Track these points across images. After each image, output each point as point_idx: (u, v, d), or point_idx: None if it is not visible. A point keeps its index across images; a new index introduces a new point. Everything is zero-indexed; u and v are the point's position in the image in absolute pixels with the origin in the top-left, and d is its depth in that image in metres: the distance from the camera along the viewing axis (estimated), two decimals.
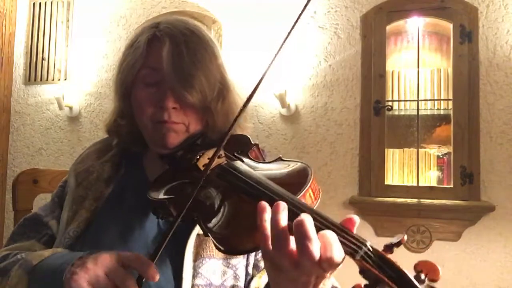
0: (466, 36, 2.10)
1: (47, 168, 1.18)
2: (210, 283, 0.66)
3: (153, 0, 2.62)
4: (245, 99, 0.63)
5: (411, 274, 0.42)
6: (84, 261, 0.55)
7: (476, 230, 2.05)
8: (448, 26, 2.16)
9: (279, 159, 0.65)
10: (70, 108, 2.65)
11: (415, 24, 2.26)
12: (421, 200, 2.07)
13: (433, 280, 0.41)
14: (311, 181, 0.53)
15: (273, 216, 0.46)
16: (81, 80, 2.69)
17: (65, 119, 2.71)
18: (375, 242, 0.45)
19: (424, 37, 2.30)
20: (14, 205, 1.08)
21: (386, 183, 2.16)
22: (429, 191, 2.10)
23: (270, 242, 0.46)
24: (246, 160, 0.67)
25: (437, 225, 2.07)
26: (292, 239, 0.45)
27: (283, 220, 0.46)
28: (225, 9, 2.45)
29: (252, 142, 0.72)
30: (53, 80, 2.74)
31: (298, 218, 0.44)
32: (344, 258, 0.45)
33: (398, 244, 0.45)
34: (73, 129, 2.70)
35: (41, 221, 0.81)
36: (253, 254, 0.72)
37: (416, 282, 0.41)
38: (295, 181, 0.54)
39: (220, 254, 0.69)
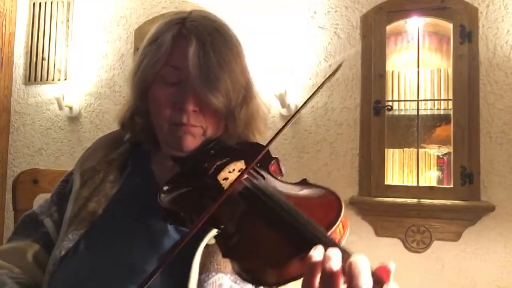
0: (466, 36, 2.10)
1: (47, 168, 1.18)
2: None
3: (153, 0, 2.62)
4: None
5: None
6: None
7: (476, 230, 2.05)
8: (448, 26, 2.16)
9: (305, 181, 0.61)
10: (70, 108, 2.65)
11: (415, 24, 2.26)
12: (421, 200, 2.07)
13: None
14: (342, 214, 0.49)
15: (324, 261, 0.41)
16: (81, 80, 2.69)
17: (65, 119, 2.71)
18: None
19: (424, 37, 2.30)
20: (14, 205, 1.08)
21: (386, 183, 2.16)
22: (429, 191, 2.10)
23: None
24: (268, 177, 0.63)
25: (437, 225, 2.07)
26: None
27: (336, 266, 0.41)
28: (225, 10, 2.44)
29: (272, 156, 0.69)
30: (53, 80, 2.74)
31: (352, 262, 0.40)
32: None
33: None
34: (73, 129, 2.70)
35: (37, 219, 0.79)
36: None
37: None
38: (326, 213, 0.50)
39: (228, 268, 0.65)
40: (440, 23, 2.22)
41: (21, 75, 2.83)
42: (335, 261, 0.40)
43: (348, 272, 0.39)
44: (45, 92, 2.76)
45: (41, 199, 1.07)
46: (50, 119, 2.75)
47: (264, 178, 0.62)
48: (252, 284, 0.56)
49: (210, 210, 0.51)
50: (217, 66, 0.69)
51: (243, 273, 0.48)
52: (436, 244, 2.08)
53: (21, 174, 1.11)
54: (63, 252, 0.70)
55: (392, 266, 0.41)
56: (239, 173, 0.61)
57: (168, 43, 0.71)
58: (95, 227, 0.72)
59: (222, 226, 0.53)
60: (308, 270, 0.42)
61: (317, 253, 0.42)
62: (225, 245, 0.51)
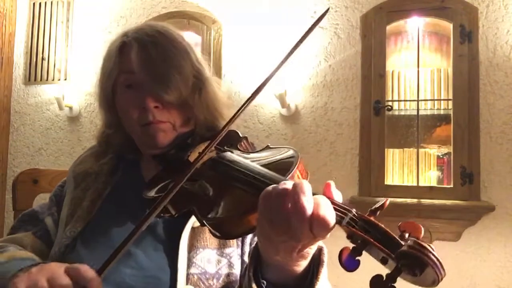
0: (466, 36, 2.10)
1: (47, 168, 1.19)
2: (205, 272, 0.68)
3: (153, 0, 2.62)
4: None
5: (395, 234, 0.45)
6: (32, 267, 0.57)
7: (476, 230, 2.05)
8: (448, 26, 2.16)
9: (267, 147, 0.68)
10: (70, 108, 2.65)
11: (415, 24, 2.26)
12: (421, 200, 2.07)
13: (416, 238, 0.44)
14: (298, 163, 0.55)
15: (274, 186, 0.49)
16: (81, 80, 2.69)
17: (65, 119, 2.71)
18: None
19: (424, 37, 2.30)
20: (14, 205, 1.08)
21: (386, 183, 2.16)
22: (429, 191, 2.10)
23: (269, 202, 0.48)
24: (235, 151, 0.69)
25: (437, 225, 2.07)
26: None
27: (286, 185, 0.48)
28: (225, 9, 2.44)
29: (241, 136, 0.75)
30: (53, 80, 2.74)
31: (296, 181, 0.48)
32: (335, 224, 0.46)
33: (381, 207, 0.48)
34: (73, 129, 2.70)
35: (38, 217, 0.84)
36: (248, 243, 0.74)
37: (399, 240, 0.43)
38: (284, 165, 0.57)
39: (214, 244, 0.71)
40: (440, 23, 2.22)
41: (21, 75, 2.83)
42: (281, 185, 0.47)
43: (292, 191, 0.46)
44: (45, 92, 2.76)
45: (41, 199, 1.07)
46: (50, 119, 2.75)
47: (231, 152, 0.68)
48: (225, 238, 0.65)
49: (179, 181, 0.54)
50: (160, 62, 0.75)
51: (217, 232, 0.54)
52: (436, 244, 2.08)
53: (21, 174, 1.11)
54: (62, 249, 0.74)
55: (331, 182, 0.50)
56: (209, 153, 0.67)
57: (115, 53, 0.78)
58: (90, 224, 0.76)
59: (200, 199, 0.59)
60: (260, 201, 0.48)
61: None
62: (201, 213, 0.56)
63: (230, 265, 0.70)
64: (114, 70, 0.78)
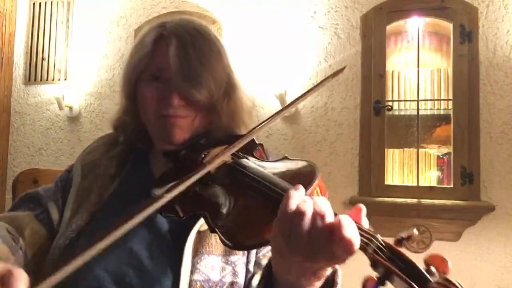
0: (466, 36, 2.10)
1: (47, 168, 1.19)
2: (208, 279, 0.66)
3: (153, 0, 2.62)
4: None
5: (421, 267, 0.43)
6: None
7: (476, 230, 2.05)
8: (448, 26, 2.16)
9: (285, 158, 0.66)
10: (70, 108, 2.65)
11: (415, 24, 2.26)
12: (421, 200, 2.07)
13: (443, 273, 0.43)
14: (318, 179, 0.54)
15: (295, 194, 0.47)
16: (81, 80, 2.69)
17: (65, 119, 2.71)
18: None
19: (424, 37, 2.30)
20: None
21: (386, 183, 2.16)
22: (429, 191, 2.10)
23: (289, 220, 0.46)
24: (251, 158, 0.67)
25: (437, 225, 2.07)
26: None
27: (302, 198, 0.47)
28: (225, 9, 2.45)
29: (257, 142, 0.73)
30: (53, 80, 2.74)
31: (316, 199, 0.46)
32: (357, 249, 0.45)
33: (408, 238, 0.46)
34: (73, 129, 2.70)
35: (41, 200, 0.81)
36: (254, 252, 0.72)
37: (427, 274, 0.42)
38: (302, 179, 0.54)
39: (219, 251, 0.69)
40: (440, 23, 2.22)
41: (21, 75, 2.83)
42: (299, 193, 0.47)
43: (315, 211, 0.45)
44: (45, 92, 2.76)
45: None
46: (50, 119, 2.75)
47: (247, 159, 0.65)
48: (236, 249, 0.61)
49: (188, 180, 0.52)
50: (197, 63, 0.73)
51: (228, 241, 0.52)
52: (436, 244, 2.08)
53: (21, 174, 1.11)
54: (67, 241, 0.72)
55: (362, 207, 0.49)
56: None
57: (150, 44, 0.76)
58: (95, 218, 0.75)
59: (212, 205, 0.57)
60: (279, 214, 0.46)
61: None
62: (212, 220, 0.55)
63: (235, 274, 0.68)
64: (144, 61, 0.76)
